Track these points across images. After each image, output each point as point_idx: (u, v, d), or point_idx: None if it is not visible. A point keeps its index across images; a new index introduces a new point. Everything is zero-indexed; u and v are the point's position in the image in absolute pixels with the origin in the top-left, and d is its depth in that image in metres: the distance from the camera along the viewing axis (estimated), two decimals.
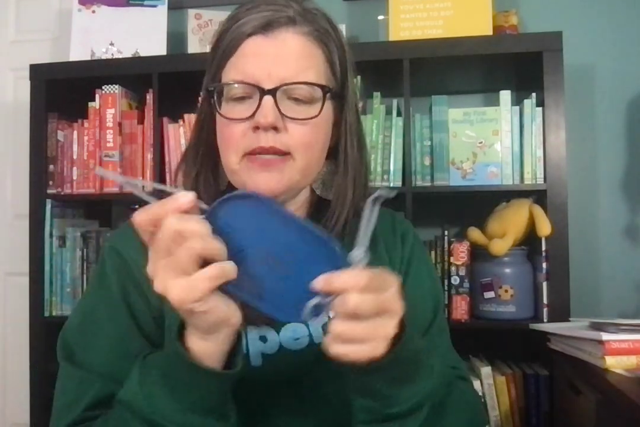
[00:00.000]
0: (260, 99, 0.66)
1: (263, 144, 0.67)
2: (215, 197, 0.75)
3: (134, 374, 0.59)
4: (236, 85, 0.68)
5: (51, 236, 1.70)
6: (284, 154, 0.68)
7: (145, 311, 0.71)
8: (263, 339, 0.72)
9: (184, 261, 0.47)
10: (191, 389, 0.56)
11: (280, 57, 0.67)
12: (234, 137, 0.68)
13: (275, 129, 0.67)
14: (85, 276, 1.70)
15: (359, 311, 0.51)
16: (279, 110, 0.67)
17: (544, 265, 1.44)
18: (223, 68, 0.70)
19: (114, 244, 0.76)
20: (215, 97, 0.70)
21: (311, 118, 0.68)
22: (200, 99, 0.78)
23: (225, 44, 0.69)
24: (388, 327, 0.54)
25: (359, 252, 0.53)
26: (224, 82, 0.69)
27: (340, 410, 0.69)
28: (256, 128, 0.67)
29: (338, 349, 0.53)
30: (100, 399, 0.66)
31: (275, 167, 0.68)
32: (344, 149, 0.76)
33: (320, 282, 0.52)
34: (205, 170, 0.76)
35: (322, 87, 0.69)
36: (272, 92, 0.66)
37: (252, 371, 0.69)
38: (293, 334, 0.72)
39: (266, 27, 0.68)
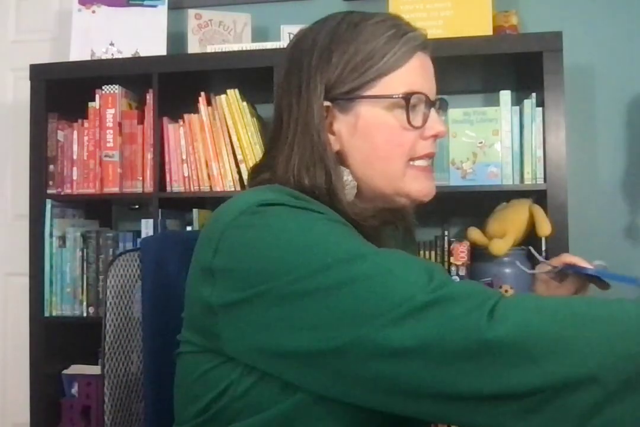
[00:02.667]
0: (429, 111, 0.74)
1: (434, 150, 0.76)
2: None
3: None
4: (417, 96, 0.73)
5: (51, 235, 1.70)
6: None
7: None
8: None
9: None
10: None
11: (433, 74, 0.78)
12: (408, 144, 0.74)
13: None
14: (85, 276, 1.69)
15: None
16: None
17: None
18: (386, 75, 0.73)
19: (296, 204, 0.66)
20: (402, 107, 0.73)
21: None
22: (301, 104, 0.73)
23: (398, 54, 0.73)
24: None
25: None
26: (402, 91, 0.73)
27: None
28: (433, 136, 0.75)
29: None
30: None
31: (432, 174, 0.78)
32: None
33: None
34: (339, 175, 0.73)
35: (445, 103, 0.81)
36: (435, 104, 0.76)
37: None
38: None
39: (427, 45, 0.77)
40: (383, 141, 0.73)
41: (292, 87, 0.75)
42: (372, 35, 0.72)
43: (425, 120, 0.74)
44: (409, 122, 0.72)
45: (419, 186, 0.76)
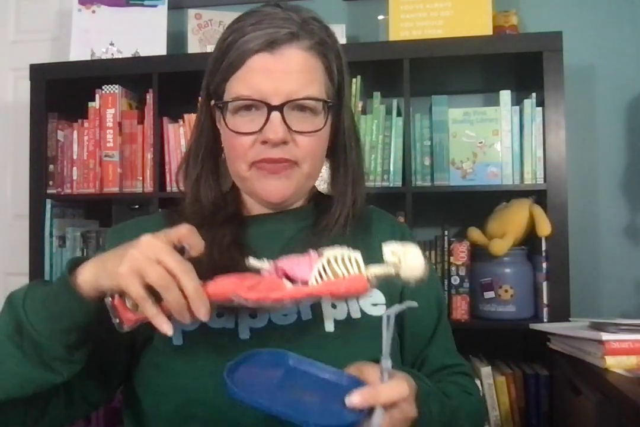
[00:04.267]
0: (269, 115, 0.70)
1: (272, 156, 0.72)
2: (215, 200, 0.78)
3: (30, 283, 0.65)
4: (249, 102, 0.72)
5: (51, 235, 1.70)
6: (292, 163, 0.73)
7: None
8: (253, 315, 0.73)
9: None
10: (59, 303, 0.60)
11: (286, 73, 0.71)
12: (243, 148, 0.73)
13: (284, 142, 0.71)
14: None
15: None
16: (287, 125, 0.71)
17: (544, 265, 1.44)
18: (227, 81, 0.74)
19: (116, 229, 0.80)
20: (222, 110, 0.74)
21: (317, 131, 0.73)
22: (199, 104, 0.81)
23: (232, 59, 0.72)
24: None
25: (387, 362, 0.57)
26: (232, 96, 0.73)
27: None
28: (265, 142, 0.71)
29: None
30: None
31: (284, 173, 0.73)
32: (343, 151, 0.80)
33: (357, 397, 0.55)
34: (206, 173, 0.79)
35: (324, 101, 0.73)
36: (280, 108, 0.70)
37: (240, 344, 0.70)
38: (282, 310, 0.74)
39: (272, 45, 0.71)
40: (225, 143, 0.77)
41: None
42: (220, 42, 0.75)
43: (265, 125, 0.71)
44: (227, 127, 0.73)
45: (260, 186, 0.75)
